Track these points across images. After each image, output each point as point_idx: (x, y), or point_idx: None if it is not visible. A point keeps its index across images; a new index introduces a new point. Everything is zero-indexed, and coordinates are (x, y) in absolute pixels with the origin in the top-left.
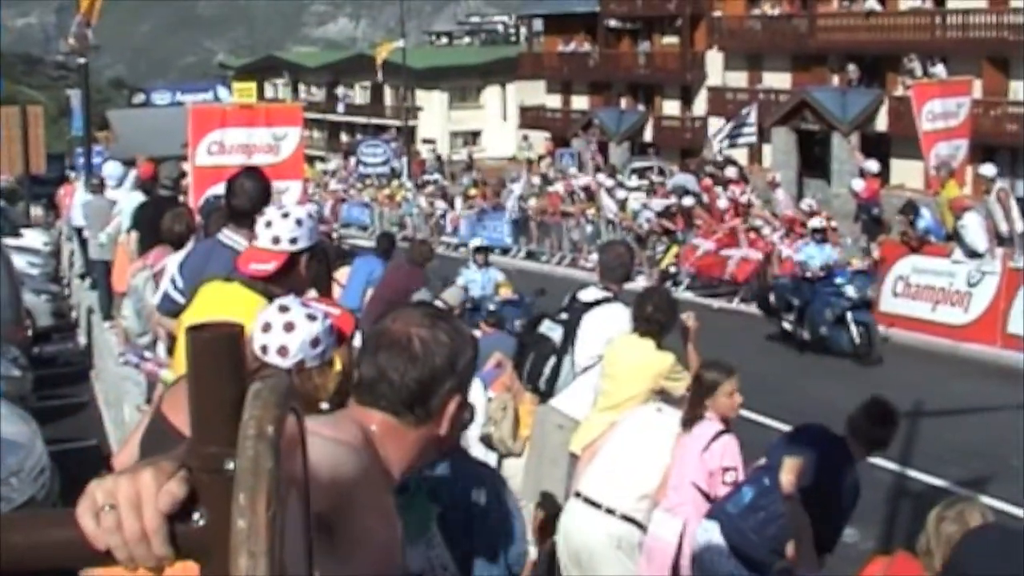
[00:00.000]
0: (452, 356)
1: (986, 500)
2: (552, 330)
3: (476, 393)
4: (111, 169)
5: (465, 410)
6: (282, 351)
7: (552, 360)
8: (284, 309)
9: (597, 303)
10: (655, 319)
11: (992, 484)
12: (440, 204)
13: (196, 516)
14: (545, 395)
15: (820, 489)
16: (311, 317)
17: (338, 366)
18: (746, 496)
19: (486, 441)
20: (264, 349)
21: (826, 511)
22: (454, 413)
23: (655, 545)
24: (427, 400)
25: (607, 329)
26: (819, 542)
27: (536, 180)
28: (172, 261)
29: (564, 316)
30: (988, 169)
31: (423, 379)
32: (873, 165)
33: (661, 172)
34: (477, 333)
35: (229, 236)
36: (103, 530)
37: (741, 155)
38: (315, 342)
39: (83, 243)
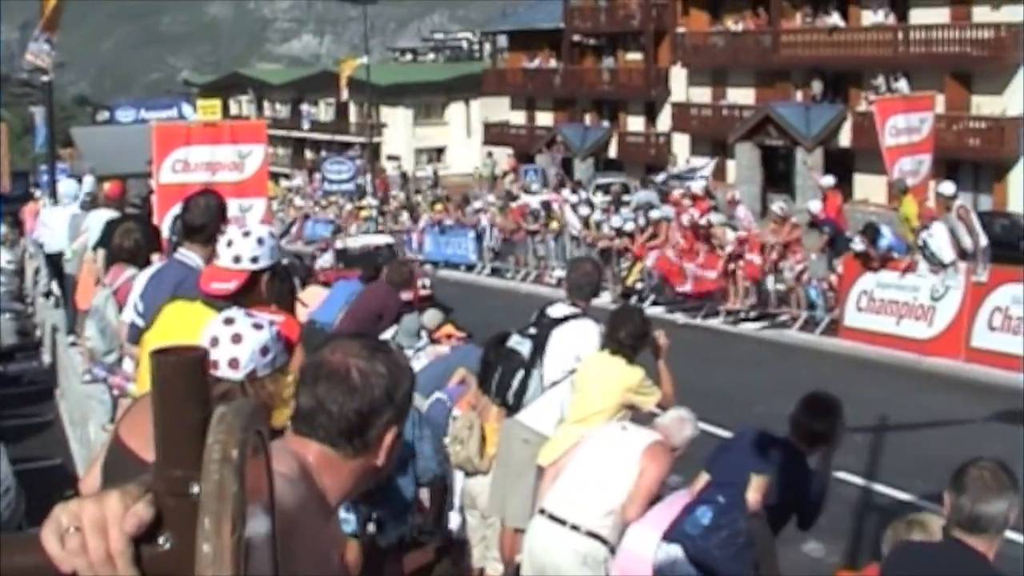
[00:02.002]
0: (390, 388)
1: None
2: (520, 344)
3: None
4: (66, 187)
5: (400, 439)
6: (233, 363)
7: (520, 374)
8: (229, 321)
9: (566, 319)
10: (626, 344)
11: None
12: (405, 220)
13: (162, 540)
14: (513, 408)
15: (779, 491)
16: (257, 326)
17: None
18: (703, 517)
19: (452, 459)
20: (214, 364)
21: (791, 509)
22: (391, 444)
23: (631, 563)
24: (365, 432)
25: (576, 344)
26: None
27: (492, 198)
28: (137, 281)
29: (533, 331)
30: (947, 187)
31: (361, 411)
32: (828, 180)
33: (625, 189)
34: (445, 349)
35: (184, 254)
36: (68, 552)
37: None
38: (264, 350)
39: (48, 260)
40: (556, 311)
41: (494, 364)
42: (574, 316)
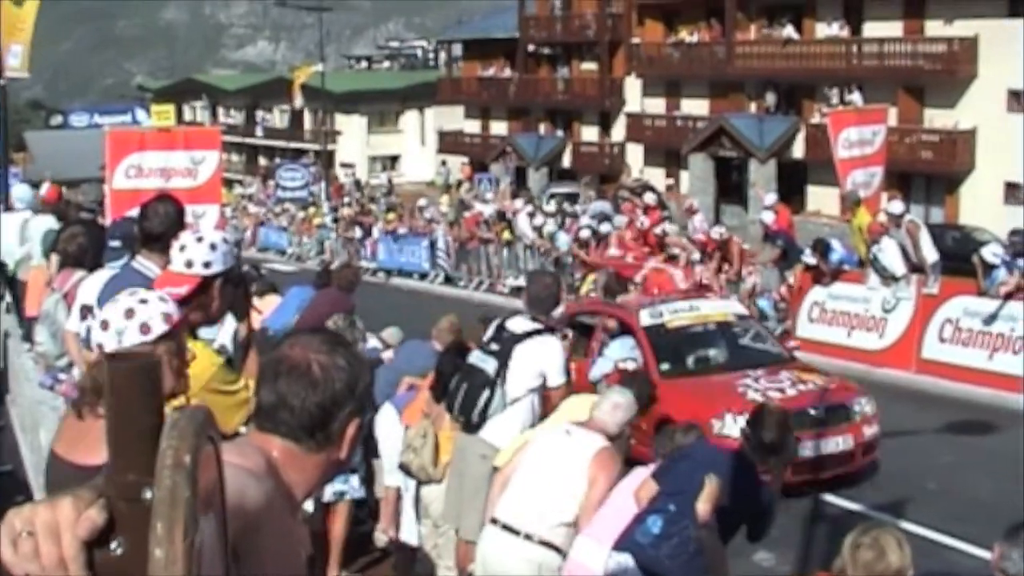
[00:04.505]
0: (351, 381)
1: (902, 524)
2: (483, 361)
3: (390, 420)
4: (20, 192)
5: (362, 432)
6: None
7: (486, 392)
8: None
9: (528, 335)
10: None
11: (908, 508)
12: (357, 229)
13: (114, 544)
14: (477, 427)
15: (733, 501)
16: (143, 301)
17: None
18: (654, 526)
19: (405, 468)
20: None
21: (740, 520)
22: (353, 437)
23: (579, 573)
24: (327, 425)
25: (539, 361)
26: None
27: (445, 208)
28: (84, 287)
29: (495, 347)
30: (895, 206)
31: (323, 404)
32: (771, 197)
33: (574, 198)
34: (388, 355)
35: (141, 262)
36: (21, 557)
37: (659, 181)
38: (144, 328)
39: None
40: (516, 325)
41: (458, 381)
42: (536, 332)
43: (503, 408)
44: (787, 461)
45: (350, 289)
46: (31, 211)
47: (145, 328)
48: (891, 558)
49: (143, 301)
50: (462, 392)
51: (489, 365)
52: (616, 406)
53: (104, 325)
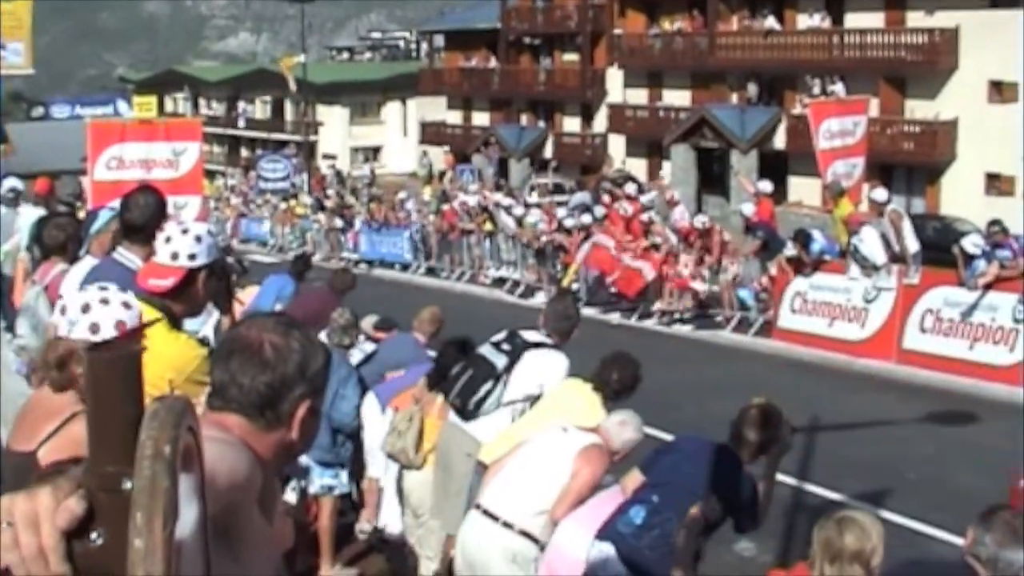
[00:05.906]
0: (303, 363)
1: (882, 513)
2: (495, 356)
3: (372, 410)
4: (12, 183)
5: (316, 417)
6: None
7: (489, 384)
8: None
9: (539, 345)
10: (612, 387)
11: (889, 498)
12: (338, 221)
13: (94, 535)
14: (469, 415)
15: (717, 494)
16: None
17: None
18: (636, 517)
19: (388, 451)
20: (93, 328)
21: (725, 513)
22: (304, 418)
23: (559, 560)
24: (277, 405)
25: (543, 371)
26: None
27: (427, 198)
28: (67, 280)
29: (506, 347)
30: (879, 194)
31: (273, 384)
32: (765, 186)
33: (560, 189)
34: (369, 346)
35: (123, 254)
36: (1, 548)
37: (640, 171)
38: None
39: None
40: (531, 336)
41: (462, 368)
42: (548, 345)
43: (497, 407)
44: (781, 453)
45: (343, 292)
46: (3, 205)
47: (95, 328)
48: (847, 539)
49: (103, 302)
50: (465, 378)
51: (500, 360)
52: (623, 423)
53: (63, 311)
